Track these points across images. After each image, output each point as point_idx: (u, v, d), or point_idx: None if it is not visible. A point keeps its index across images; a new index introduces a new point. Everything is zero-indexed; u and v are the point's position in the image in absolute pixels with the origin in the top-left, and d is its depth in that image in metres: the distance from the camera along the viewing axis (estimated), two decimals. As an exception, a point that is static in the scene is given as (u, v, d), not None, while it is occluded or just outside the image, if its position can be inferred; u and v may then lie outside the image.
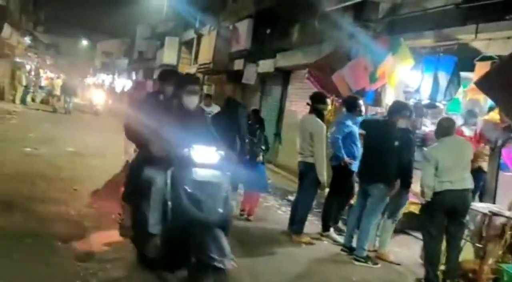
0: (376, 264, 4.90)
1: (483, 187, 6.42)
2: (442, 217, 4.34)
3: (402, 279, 4.79)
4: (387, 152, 4.64)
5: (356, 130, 5.59)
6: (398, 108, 4.96)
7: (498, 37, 5.36)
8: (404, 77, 6.46)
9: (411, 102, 6.53)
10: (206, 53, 17.22)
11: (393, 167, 4.66)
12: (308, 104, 5.47)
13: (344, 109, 5.90)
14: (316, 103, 5.42)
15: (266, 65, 13.04)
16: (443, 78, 6.10)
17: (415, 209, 6.09)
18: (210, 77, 18.36)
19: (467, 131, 6.26)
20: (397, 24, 6.90)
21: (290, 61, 11.53)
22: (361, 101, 5.82)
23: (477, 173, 6.01)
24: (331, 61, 7.86)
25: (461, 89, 5.91)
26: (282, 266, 4.59)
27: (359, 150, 5.59)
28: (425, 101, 6.26)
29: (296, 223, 5.42)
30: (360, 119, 5.55)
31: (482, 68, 5.52)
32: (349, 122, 5.55)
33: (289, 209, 5.92)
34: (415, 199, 6.33)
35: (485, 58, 5.52)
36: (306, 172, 5.33)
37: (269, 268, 4.46)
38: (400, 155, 4.70)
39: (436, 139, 4.60)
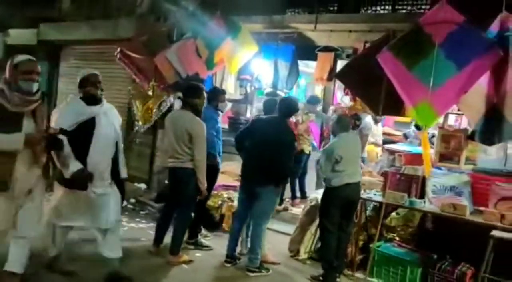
0: (268, 270, 4.59)
1: (305, 167, 6.92)
2: (338, 211, 4.37)
3: (297, 278, 4.66)
4: (280, 151, 4.29)
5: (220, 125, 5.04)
6: (294, 106, 4.58)
7: (338, 29, 5.66)
8: (244, 64, 6.15)
9: (249, 89, 6.36)
10: None
11: (286, 166, 4.36)
12: (179, 98, 4.51)
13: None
14: (190, 97, 4.49)
15: (22, 36, 10.41)
16: (283, 67, 6.13)
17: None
18: None
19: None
20: (226, 4, 6.45)
21: (64, 34, 9.51)
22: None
23: (300, 155, 6.41)
24: (148, 42, 6.80)
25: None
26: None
27: (221, 146, 5.11)
28: (268, 89, 6.17)
29: (175, 241, 4.50)
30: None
31: (324, 58, 5.80)
32: (217, 117, 4.92)
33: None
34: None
35: (326, 49, 5.79)
36: (184, 180, 4.43)
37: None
38: (288, 152, 4.42)
39: (333, 135, 4.53)
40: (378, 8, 5.94)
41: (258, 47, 5.95)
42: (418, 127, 6.16)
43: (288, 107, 4.50)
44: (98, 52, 9.28)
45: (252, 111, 7.29)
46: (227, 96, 6.70)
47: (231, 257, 4.64)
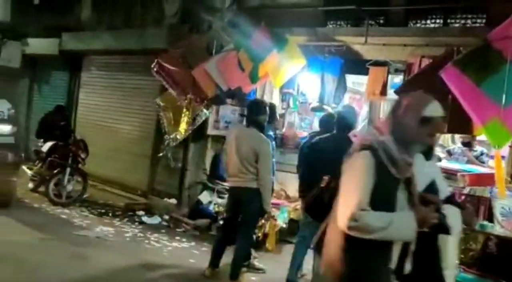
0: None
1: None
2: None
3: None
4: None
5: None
6: (355, 121, 4.33)
7: (390, 43, 5.48)
8: (290, 78, 5.93)
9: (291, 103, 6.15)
10: None
11: None
12: (242, 115, 4.29)
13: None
14: (256, 115, 4.27)
15: (42, 46, 10.19)
16: (330, 81, 5.93)
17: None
18: None
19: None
20: (268, 16, 6.26)
21: (86, 44, 9.29)
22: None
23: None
24: (187, 53, 6.60)
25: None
26: None
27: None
28: (314, 103, 5.97)
29: (236, 265, 4.25)
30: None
31: (376, 72, 5.61)
32: (273, 135, 4.71)
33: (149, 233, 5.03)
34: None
35: (377, 63, 5.61)
36: (248, 200, 4.18)
37: None
38: None
39: None
40: (428, 21, 5.78)
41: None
42: (466, 144, 5.97)
43: (349, 122, 4.26)
44: (122, 63, 9.08)
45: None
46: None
47: (288, 280, 4.37)
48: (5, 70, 10.54)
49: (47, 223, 5.78)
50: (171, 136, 7.35)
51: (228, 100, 6.45)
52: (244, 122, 4.55)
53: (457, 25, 5.52)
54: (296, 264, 4.31)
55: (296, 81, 6.15)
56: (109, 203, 7.49)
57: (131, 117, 8.68)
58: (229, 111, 7.19)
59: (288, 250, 5.77)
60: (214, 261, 4.47)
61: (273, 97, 6.26)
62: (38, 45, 10.27)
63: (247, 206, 4.20)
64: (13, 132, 6.41)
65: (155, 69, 6.64)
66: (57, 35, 9.80)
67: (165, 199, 7.60)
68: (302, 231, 4.35)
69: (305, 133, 6.45)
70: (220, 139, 7.37)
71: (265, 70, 5.88)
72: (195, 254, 5.30)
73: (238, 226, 4.30)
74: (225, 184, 7.05)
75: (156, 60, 6.63)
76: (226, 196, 6.79)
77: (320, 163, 4.08)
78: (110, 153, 8.55)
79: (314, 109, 6.09)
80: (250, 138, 4.21)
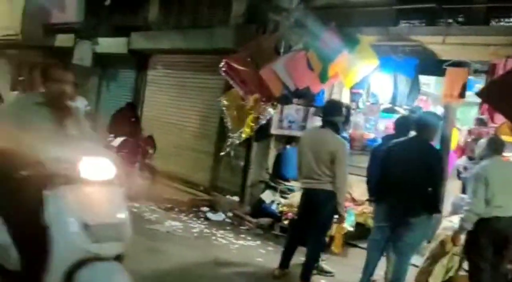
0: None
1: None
2: (488, 246, 3.90)
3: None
4: (433, 175, 3.89)
5: None
6: (437, 126, 4.17)
7: (471, 43, 5.22)
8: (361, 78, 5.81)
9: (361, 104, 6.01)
10: (6, 19, 13.07)
11: (439, 192, 3.96)
12: (319, 116, 4.27)
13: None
14: (332, 116, 4.23)
15: (112, 45, 10.64)
16: (403, 81, 5.74)
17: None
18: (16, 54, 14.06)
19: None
20: (337, 15, 6.16)
21: (153, 43, 9.60)
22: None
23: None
24: (255, 53, 6.64)
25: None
26: None
27: None
28: (385, 105, 5.81)
29: (308, 267, 4.24)
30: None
31: (455, 74, 5.36)
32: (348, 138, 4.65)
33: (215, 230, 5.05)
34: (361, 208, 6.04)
35: (456, 64, 5.36)
36: (322, 203, 4.15)
37: None
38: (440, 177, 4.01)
39: (480, 158, 4.07)
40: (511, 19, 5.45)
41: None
42: None
43: (432, 128, 4.09)
44: (187, 62, 9.30)
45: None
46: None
47: (362, 286, 4.28)
48: (77, 69, 11.15)
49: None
50: (235, 134, 7.43)
51: (295, 100, 6.42)
52: (317, 124, 4.49)
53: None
54: (369, 270, 4.21)
55: (367, 81, 6.00)
56: (174, 198, 7.69)
57: (195, 115, 8.87)
58: (293, 110, 7.16)
59: (354, 253, 5.69)
60: (284, 262, 4.47)
61: (342, 98, 6.14)
62: (108, 44, 10.73)
63: (321, 208, 4.16)
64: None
65: (223, 68, 6.72)
66: (126, 35, 10.21)
67: (228, 196, 7.71)
68: (375, 234, 4.25)
69: (372, 135, 6.29)
70: (282, 139, 7.42)
71: (335, 70, 5.80)
72: (261, 253, 5.32)
73: (311, 228, 4.26)
74: (287, 184, 7.07)
75: (224, 60, 6.71)
76: (289, 196, 6.85)
77: (398, 168, 3.97)
78: (174, 149, 8.78)
79: (386, 111, 5.92)
80: (326, 140, 4.16)
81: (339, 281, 4.69)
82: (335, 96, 6.21)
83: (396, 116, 5.61)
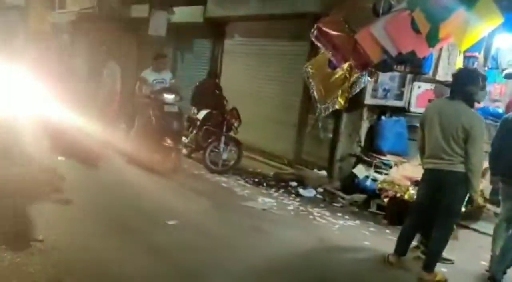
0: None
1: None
2: None
3: None
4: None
5: None
6: None
7: None
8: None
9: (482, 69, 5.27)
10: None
11: None
12: (447, 85, 3.74)
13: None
14: (466, 86, 3.67)
15: (187, 14, 10.41)
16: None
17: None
18: (94, 28, 14.33)
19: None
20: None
21: (231, 11, 9.21)
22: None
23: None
24: (350, 16, 6.05)
25: None
26: None
27: None
28: (509, 69, 5.06)
29: (433, 257, 3.82)
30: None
31: None
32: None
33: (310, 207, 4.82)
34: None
35: None
36: (453, 187, 3.65)
37: None
38: None
39: None
40: None
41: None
42: None
43: None
44: (267, 28, 8.84)
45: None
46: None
47: (493, 278, 3.79)
48: (152, 40, 11.09)
49: (213, 191, 5.89)
50: (324, 105, 6.97)
51: (398, 67, 5.80)
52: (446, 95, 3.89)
53: None
54: (506, 259, 3.68)
55: (485, 43, 5.25)
56: (258, 171, 7.47)
57: (276, 85, 8.49)
58: (388, 78, 6.57)
59: (465, 236, 5.17)
60: (402, 249, 4.05)
61: (455, 63, 5.45)
62: (183, 13, 10.52)
63: (452, 192, 3.66)
64: (176, 100, 6.61)
65: (314, 34, 6.22)
66: (201, 3, 9.91)
67: (315, 170, 7.36)
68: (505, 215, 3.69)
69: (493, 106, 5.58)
70: (376, 109, 6.86)
71: (447, 31, 5.08)
72: (365, 235, 4.96)
73: (438, 214, 3.78)
74: (383, 158, 6.56)
75: (315, 25, 6.19)
76: (386, 171, 6.35)
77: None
78: (256, 121, 8.48)
79: (508, 76, 5.17)
80: (458, 114, 3.61)
81: (463, 271, 4.20)
82: (443, 61, 5.53)
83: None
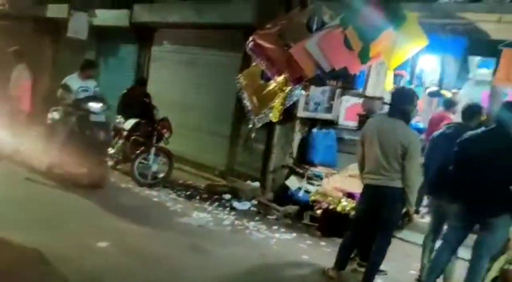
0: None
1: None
2: None
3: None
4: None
5: None
6: None
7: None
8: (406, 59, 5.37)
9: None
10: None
11: None
12: (386, 103, 3.84)
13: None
14: (403, 104, 3.80)
15: (112, 17, 9.91)
16: (451, 63, 5.34)
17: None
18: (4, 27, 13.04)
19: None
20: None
21: (161, 17, 8.90)
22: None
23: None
24: (285, 30, 6.10)
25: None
26: None
27: None
28: (431, 88, 5.41)
29: (372, 270, 3.89)
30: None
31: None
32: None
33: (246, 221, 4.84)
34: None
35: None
36: (391, 202, 3.77)
37: None
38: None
39: None
40: None
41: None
42: None
43: None
44: (199, 37, 8.66)
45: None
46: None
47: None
48: (71, 43, 10.39)
49: (144, 207, 5.59)
50: (257, 117, 6.96)
51: (331, 82, 5.96)
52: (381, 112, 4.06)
53: None
54: (436, 272, 3.88)
55: (410, 62, 5.58)
56: (189, 183, 7.26)
57: (209, 94, 8.34)
58: (319, 92, 6.76)
59: (391, 245, 5.38)
60: (341, 263, 4.12)
61: (381, 80, 5.72)
62: (107, 16, 9.99)
63: (390, 207, 3.78)
64: (103, 110, 6.19)
65: (249, 46, 6.19)
66: (127, 6, 9.49)
67: (248, 182, 7.31)
68: (447, 235, 3.91)
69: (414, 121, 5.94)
70: (307, 122, 6.99)
71: (377, 49, 5.34)
72: (303, 248, 4.98)
73: (378, 228, 3.89)
74: (315, 169, 6.70)
75: (251, 37, 6.16)
76: (318, 182, 6.48)
77: (478, 163, 3.60)
78: (187, 131, 8.25)
79: (431, 95, 5.53)
80: (398, 131, 3.75)
81: (395, 281, 4.37)
82: (372, 78, 5.79)
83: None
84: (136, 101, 7.32)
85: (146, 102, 7.25)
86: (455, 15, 5.30)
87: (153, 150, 6.71)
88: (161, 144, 6.98)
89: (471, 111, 4.11)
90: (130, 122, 7.11)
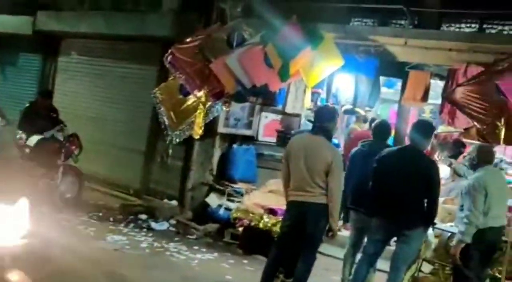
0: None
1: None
2: (477, 255, 3.90)
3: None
4: (429, 186, 3.74)
5: None
6: (429, 133, 4.00)
7: (435, 47, 5.26)
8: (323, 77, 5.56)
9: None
10: None
11: (436, 203, 3.83)
12: (310, 121, 3.86)
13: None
14: (324, 121, 3.85)
15: (11, 24, 9.11)
16: (364, 82, 5.64)
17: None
18: None
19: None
20: (302, 9, 5.80)
21: (67, 26, 8.34)
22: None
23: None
24: (205, 45, 6.01)
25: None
26: None
27: None
28: (346, 106, 5.65)
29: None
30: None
31: (418, 77, 5.38)
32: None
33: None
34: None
35: (417, 67, 5.39)
36: (315, 217, 3.77)
37: None
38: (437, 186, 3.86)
39: (472, 168, 4.06)
40: (463, 25, 5.64)
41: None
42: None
43: (427, 137, 3.94)
44: (110, 49, 8.24)
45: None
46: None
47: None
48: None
49: (51, 231, 5.03)
50: (175, 132, 6.74)
51: (251, 98, 5.97)
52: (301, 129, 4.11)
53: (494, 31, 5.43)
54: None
55: (326, 80, 5.79)
56: (101, 203, 6.78)
57: (122, 109, 7.93)
58: (238, 108, 6.75)
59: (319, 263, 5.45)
60: (267, 281, 4.04)
61: (299, 97, 5.85)
62: (6, 22, 9.13)
63: (315, 223, 3.80)
64: (1, 125, 5.56)
65: (168, 59, 5.99)
66: (30, 13, 8.77)
67: (165, 200, 7.01)
68: (367, 248, 4.03)
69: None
70: (227, 138, 6.93)
71: (296, 67, 5.46)
72: (226, 268, 4.84)
73: (302, 245, 3.89)
74: (235, 186, 6.63)
75: (170, 50, 5.98)
76: (239, 199, 6.41)
77: (393, 179, 3.78)
78: (98, 147, 7.73)
79: (346, 112, 5.77)
80: (321, 148, 3.80)
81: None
82: (291, 95, 5.91)
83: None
84: (40, 116, 6.69)
85: (52, 117, 6.66)
86: (367, 37, 5.63)
87: (61, 169, 6.17)
88: (70, 162, 6.46)
89: (380, 129, 4.34)
90: (34, 139, 6.47)
